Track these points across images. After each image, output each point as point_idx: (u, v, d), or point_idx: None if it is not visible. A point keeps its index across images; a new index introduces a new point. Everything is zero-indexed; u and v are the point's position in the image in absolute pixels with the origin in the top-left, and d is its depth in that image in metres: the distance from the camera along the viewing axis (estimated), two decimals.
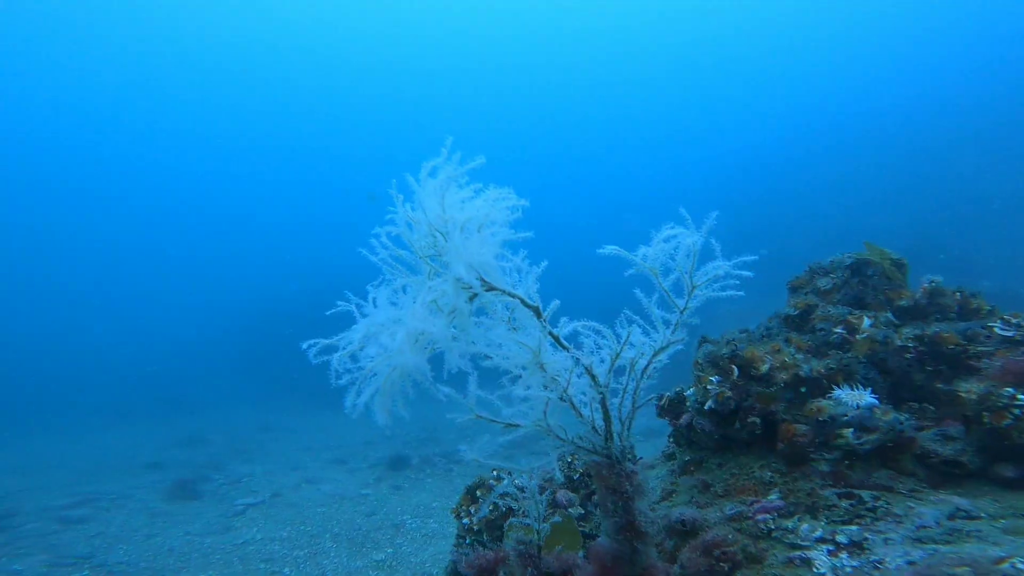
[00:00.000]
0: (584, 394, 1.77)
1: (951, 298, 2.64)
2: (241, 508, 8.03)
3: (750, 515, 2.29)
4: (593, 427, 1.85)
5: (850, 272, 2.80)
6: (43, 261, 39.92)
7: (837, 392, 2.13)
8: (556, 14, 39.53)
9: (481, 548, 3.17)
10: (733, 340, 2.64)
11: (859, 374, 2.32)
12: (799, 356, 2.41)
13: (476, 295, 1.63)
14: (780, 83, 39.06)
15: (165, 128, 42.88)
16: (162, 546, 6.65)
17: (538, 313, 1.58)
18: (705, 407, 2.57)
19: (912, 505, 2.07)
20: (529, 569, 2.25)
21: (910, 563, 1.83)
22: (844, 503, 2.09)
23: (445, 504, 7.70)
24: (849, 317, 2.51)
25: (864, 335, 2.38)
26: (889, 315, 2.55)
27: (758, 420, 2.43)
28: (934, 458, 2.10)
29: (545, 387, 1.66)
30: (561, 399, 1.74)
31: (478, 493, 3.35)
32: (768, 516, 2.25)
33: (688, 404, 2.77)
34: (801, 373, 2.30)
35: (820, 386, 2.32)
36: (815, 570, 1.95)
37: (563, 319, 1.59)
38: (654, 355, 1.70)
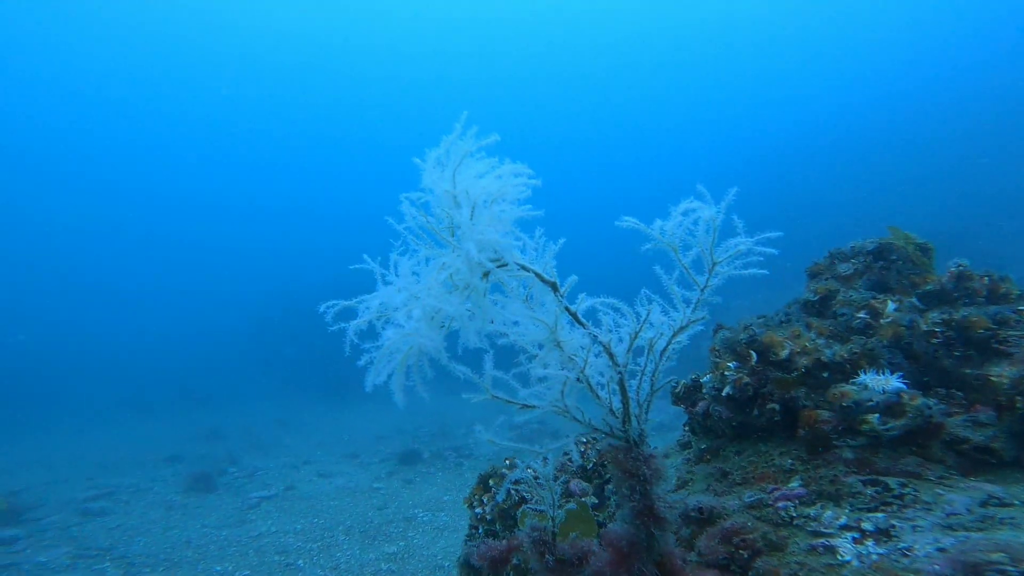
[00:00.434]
0: (601, 375, 1.74)
1: (979, 282, 2.55)
2: (256, 501, 8.16)
3: (770, 503, 2.24)
4: (611, 409, 1.82)
5: (873, 257, 2.72)
6: (65, 257, 41.03)
7: (862, 377, 2.07)
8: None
9: (493, 539, 3.16)
10: (751, 326, 2.58)
11: (884, 359, 2.25)
12: (820, 341, 2.35)
13: (489, 272, 1.62)
14: (798, 70, 38.37)
15: (188, 125, 43.62)
16: (180, 538, 6.78)
17: (555, 288, 1.55)
18: (722, 393, 2.52)
19: (941, 492, 2.00)
20: (544, 555, 2.23)
21: (940, 550, 1.77)
22: (869, 490, 2.03)
23: (456, 498, 7.73)
24: (872, 301, 2.44)
25: (889, 319, 2.31)
26: (914, 300, 2.46)
27: (777, 406, 2.37)
28: (964, 444, 2.03)
29: (562, 367, 1.63)
30: (578, 380, 1.71)
31: (491, 483, 3.34)
32: (789, 504, 2.19)
33: (704, 391, 2.72)
34: (823, 358, 2.24)
35: (843, 371, 2.25)
36: (839, 557, 1.89)
37: (581, 295, 1.56)
38: (674, 335, 1.66)
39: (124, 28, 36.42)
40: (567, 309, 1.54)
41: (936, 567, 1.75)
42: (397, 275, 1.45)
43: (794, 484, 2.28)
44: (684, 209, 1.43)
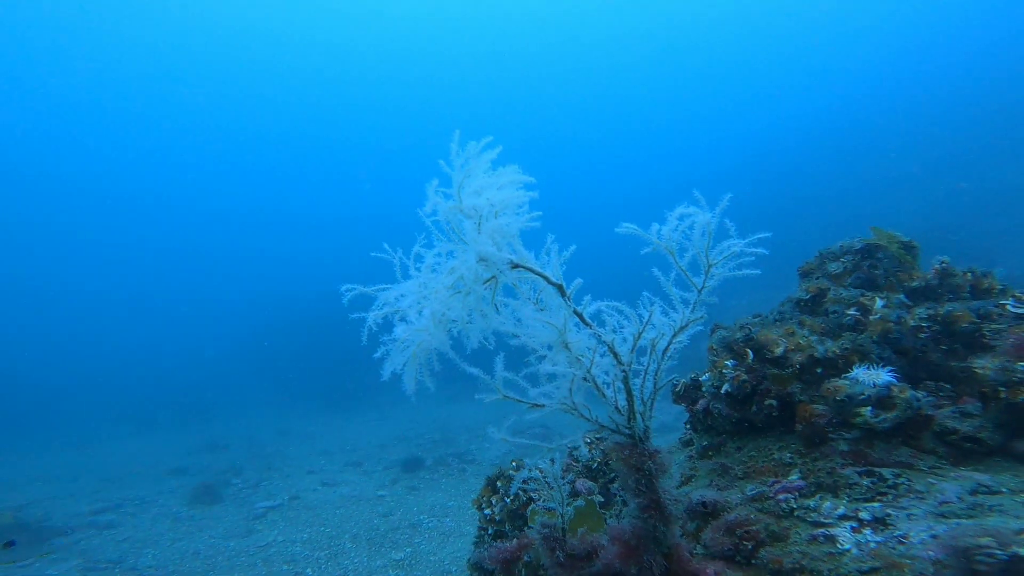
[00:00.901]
0: (607, 374, 1.84)
1: (962, 278, 2.66)
2: (261, 511, 8.17)
3: (771, 495, 2.33)
4: (616, 407, 1.92)
5: (860, 256, 2.83)
6: (66, 269, 40.91)
7: (854, 371, 2.17)
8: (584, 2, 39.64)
9: (502, 540, 3.23)
10: (747, 325, 2.68)
11: (874, 354, 2.35)
12: (813, 338, 2.45)
13: (491, 279, 1.72)
14: (784, 70, 38.90)
15: (188, 133, 43.68)
16: (187, 549, 6.79)
17: (562, 291, 1.66)
18: (722, 391, 2.62)
19: (933, 482, 2.09)
20: (555, 552, 2.31)
21: (934, 536, 1.86)
22: (865, 481, 2.12)
23: (460, 503, 7.76)
24: (861, 299, 2.55)
25: (877, 316, 2.42)
26: (901, 296, 2.57)
27: (775, 402, 2.47)
28: (953, 435, 2.13)
29: (570, 366, 1.73)
30: (584, 379, 1.81)
31: (498, 484, 3.41)
32: (789, 496, 2.28)
33: (704, 389, 2.82)
34: (816, 354, 2.35)
35: (836, 367, 2.35)
36: (839, 546, 1.98)
37: (586, 297, 1.67)
38: (674, 335, 1.76)
39: (132, 33, 36.53)
40: (575, 312, 1.65)
41: (930, 553, 1.84)
42: (418, 268, 1.57)
43: (793, 477, 2.37)
44: (680, 214, 1.54)
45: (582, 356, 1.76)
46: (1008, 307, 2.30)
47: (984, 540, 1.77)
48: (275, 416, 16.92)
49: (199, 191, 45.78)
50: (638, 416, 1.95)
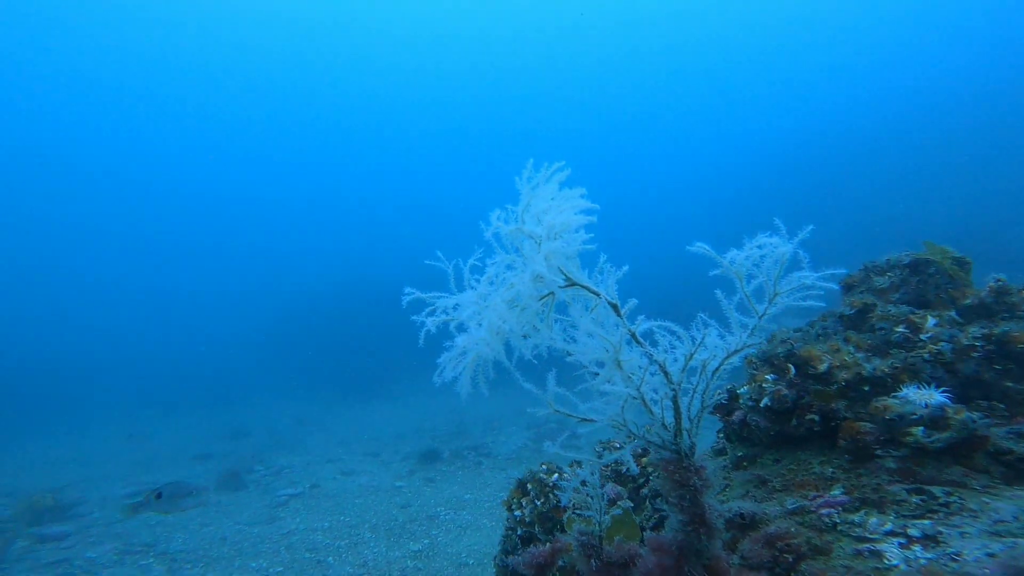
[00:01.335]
0: (656, 391, 1.84)
1: (1018, 296, 2.58)
2: (284, 499, 8.41)
3: (812, 509, 2.31)
4: (663, 423, 1.92)
5: (909, 271, 2.76)
6: (93, 258, 42.20)
7: (904, 391, 2.13)
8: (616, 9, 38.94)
9: (531, 542, 3.27)
10: (788, 339, 2.65)
11: (925, 373, 2.30)
12: (860, 355, 2.41)
13: (548, 295, 1.74)
14: (812, 74, 37.69)
15: (210, 123, 44.23)
16: (215, 535, 7.04)
17: (617, 310, 1.66)
18: (760, 404, 2.60)
19: (987, 501, 2.05)
20: (592, 560, 2.34)
21: (990, 555, 1.82)
22: (914, 498, 2.09)
23: (477, 496, 7.87)
24: (911, 316, 2.49)
25: (929, 334, 2.36)
26: (953, 314, 2.51)
27: (816, 417, 2.44)
28: (1008, 455, 2.08)
29: (623, 384, 1.74)
30: (634, 397, 1.82)
31: (529, 487, 3.46)
32: (832, 511, 2.26)
33: (741, 401, 2.79)
34: (864, 372, 2.31)
35: (884, 385, 2.31)
36: (887, 561, 1.95)
37: (640, 317, 1.67)
38: (727, 357, 1.76)
39: (146, 28, 36.96)
40: (629, 331, 1.65)
41: (987, 571, 1.80)
42: (479, 281, 1.61)
43: (836, 492, 2.34)
44: (760, 243, 1.53)
45: (632, 374, 1.77)
46: None
47: None
48: (293, 404, 17.32)
49: (223, 184, 46.56)
50: (684, 433, 1.95)
